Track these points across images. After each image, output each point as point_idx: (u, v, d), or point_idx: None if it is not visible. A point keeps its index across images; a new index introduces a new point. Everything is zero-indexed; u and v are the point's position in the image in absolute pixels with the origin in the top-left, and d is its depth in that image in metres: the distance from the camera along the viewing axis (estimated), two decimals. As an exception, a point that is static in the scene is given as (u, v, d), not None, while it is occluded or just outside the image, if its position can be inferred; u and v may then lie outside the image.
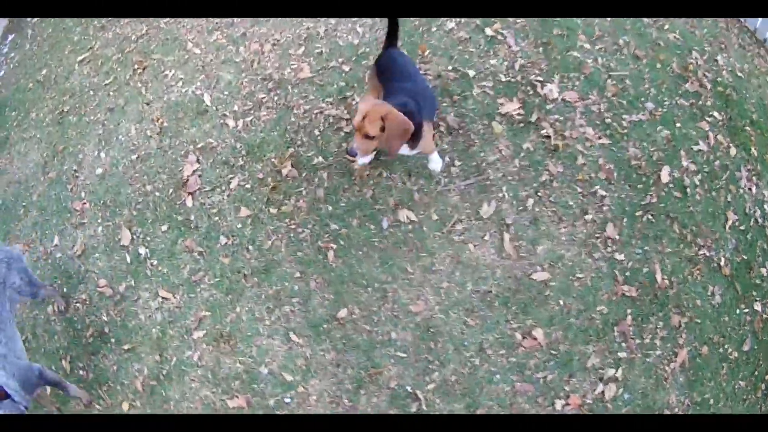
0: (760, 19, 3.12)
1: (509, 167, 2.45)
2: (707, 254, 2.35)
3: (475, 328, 2.10)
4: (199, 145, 2.74)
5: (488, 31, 2.95)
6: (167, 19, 3.33)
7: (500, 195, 2.37)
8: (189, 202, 2.55)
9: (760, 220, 2.45)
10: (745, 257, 2.37)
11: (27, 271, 2.24)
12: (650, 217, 2.38)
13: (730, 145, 2.66)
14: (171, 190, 2.64)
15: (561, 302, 2.20)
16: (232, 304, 2.21)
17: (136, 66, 3.14)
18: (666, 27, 3.14)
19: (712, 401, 2.15)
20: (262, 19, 3.22)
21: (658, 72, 2.88)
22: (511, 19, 3.03)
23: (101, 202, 2.72)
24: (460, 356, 2.07)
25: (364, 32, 3.02)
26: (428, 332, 2.09)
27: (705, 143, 2.64)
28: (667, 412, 2.11)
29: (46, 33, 3.71)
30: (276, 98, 2.83)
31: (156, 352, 2.22)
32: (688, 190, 2.47)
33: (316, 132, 2.60)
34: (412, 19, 3.03)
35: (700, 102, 2.80)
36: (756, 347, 2.22)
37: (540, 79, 2.77)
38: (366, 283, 2.18)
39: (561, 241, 2.29)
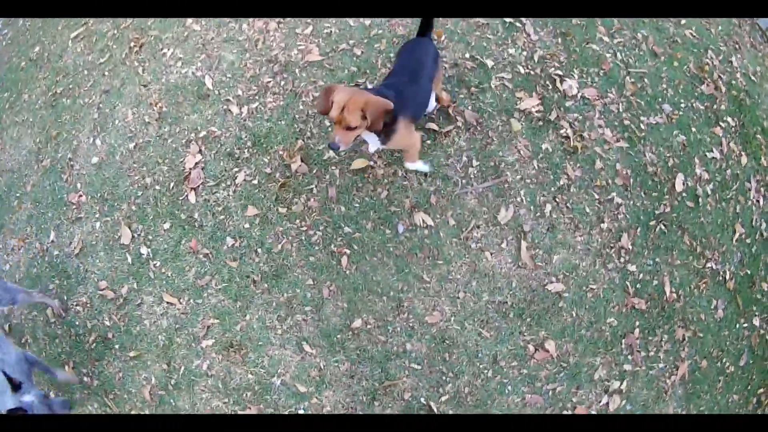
0: (773, 18, 2.87)
1: (528, 169, 2.21)
2: (714, 267, 2.19)
3: (489, 339, 1.92)
4: (201, 134, 2.38)
5: (506, 18, 2.61)
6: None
7: (518, 199, 2.15)
8: (192, 198, 2.20)
9: (765, 234, 2.28)
10: (748, 271, 2.20)
11: None
12: (663, 227, 2.20)
13: (742, 153, 2.47)
14: (172, 184, 2.28)
15: (573, 313, 2.03)
16: (241, 312, 1.95)
17: (132, 44, 2.63)
18: (683, 22, 2.84)
19: (707, 413, 2.06)
20: None
21: (675, 71, 2.61)
22: None
23: (98, 195, 2.33)
24: (473, 368, 1.91)
25: None
26: (443, 343, 1.90)
27: (718, 150, 2.44)
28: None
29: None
30: (283, 83, 2.46)
31: (163, 361, 1.96)
32: (700, 199, 2.29)
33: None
34: (427, -1, 2.64)
35: (715, 106, 2.57)
36: (751, 362, 2.13)
37: (559, 73, 2.47)
38: (381, 292, 1.94)
39: (576, 250, 2.10)
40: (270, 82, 2.41)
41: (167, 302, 2.06)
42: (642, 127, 2.34)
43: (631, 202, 2.16)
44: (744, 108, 2.51)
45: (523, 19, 2.58)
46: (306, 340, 1.90)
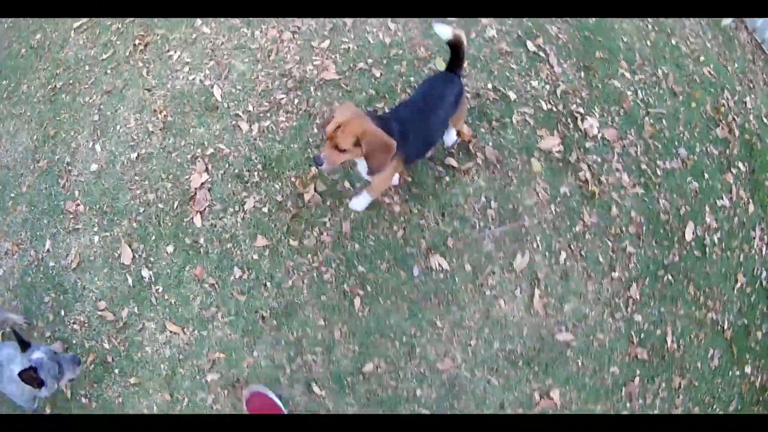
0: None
1: (545, 213, 2.05)
2: (713, 317, 2.10)
3: (497, 387, 1.77)
4: (209, 151, 2.10)
5: (530, 46, 2.36)
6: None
7: (534, 245, 1.99)
8: (198, 222, 1.95)
9: (765, 283, 2.24)
10: (745, 321, 2.07)
11: None
12: (670, 277, 2.08)
13: (750, 201, 2.36)
14: (176, 204, 2.02)
15: (579, 362, 1.92)
16: (248, 347, 1.76)
17: (137, 41, 2.28)
18: (701, 59, 2.66)
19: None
20: None
21: (692, 112, 2.46)
22: (553, 33, 2.43)
23: (97, 206, 2.05)
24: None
25: (396, 29, 2.34)
26: (453, 390, 1.74)
27: (728, 198, 2.33)
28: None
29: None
30: (296, 101, 2.20)
31: (166, 391, 1.76)
32: (707, 249, 2.19)
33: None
34: (450, 21, 2.39)
35: (728, 151, 2.44)
36: (740, 407, 2.09)
37: (581, 110, 2.29)
38: (393, 336, 1.77)
39: (587, 299, 1.98)
40: (283, 98, 2.16)
41: (171, 331, 1.86)
42: (658, 172, 2.20)
43: (643, 251, 2.05)
44: (755, 153, 2.39)
45: (547, 49, 2.36)
46: (315, 382, 1.72)
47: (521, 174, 1.99)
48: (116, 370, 1.84)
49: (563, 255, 1.93)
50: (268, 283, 1.83)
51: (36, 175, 2.25)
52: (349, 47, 2.24)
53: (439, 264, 1.83)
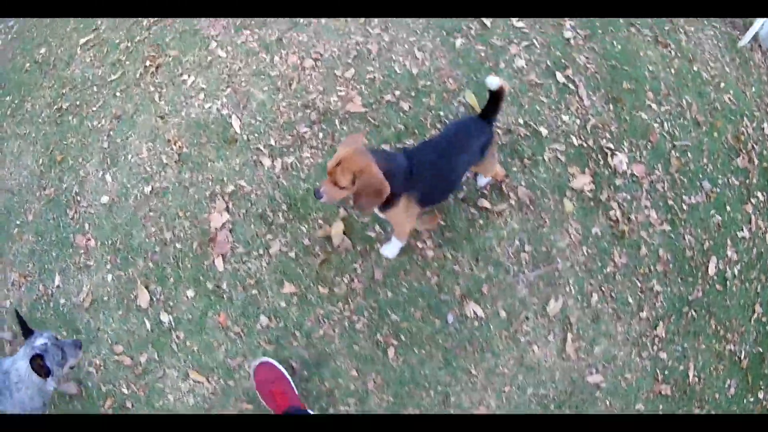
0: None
1: (578, 255, 1.94)
2: (732, 348, 2.08)
3: None
4: (229, 188, 1.90)
5: (559, 77, 2.20)
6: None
7: (567, 289, 1.89)
8: (219, 265, 1.78)
9: (780, 313, 2.24)
10: (760, 349, 2.07)
11: None
12: (694, 312, 2.02)
13: (767, 230, 2.34)
14: (195, 245, 1.84)
15: (608, 402, 1.83)
16: None
17: (148, 62, 2.03)
18: (722, 85, 2.55)
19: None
20: (300, 21, 2.22)
21: (715, 142, 2.37)
22: (581, 63, 2.29)
23: (109, 242, 1.85)
24: (514, 460, 1.80)
25: (424, 59, 2.14)
26: None
27: (747, 229, 2.27)
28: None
29: (48, 3, 2.43)
30: (321, 135, 2.01)
31: None
32: (728, 282, 2.13)
33: None
34: (479, 49, 2.22)
35: (748, 180, 2.36)
36: (755, 435, 2.12)
37: (610, 146, 2.17)
38: (428, 386, 1.64)
39: (617, 340, 1.90)
40: (306, 132, 1.97)
41: (194, 380, 1.72)
42: (684, 207, 2.12)
43: (669, 289, 1.98)
44: (773, 182, 2.34)
45: (576, 80, 2.22)
46: (349, 435, 1.67)
47: (554, 215, 1.89)
48: (138, 421, 1.72)
49: (595, 297, 1.85)
50: (297, 332, 1.69)
51: (42, 203, 2.03)
52: (374, 77, 2.05)
53: (474, 311, 1.73)
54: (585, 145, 2.04)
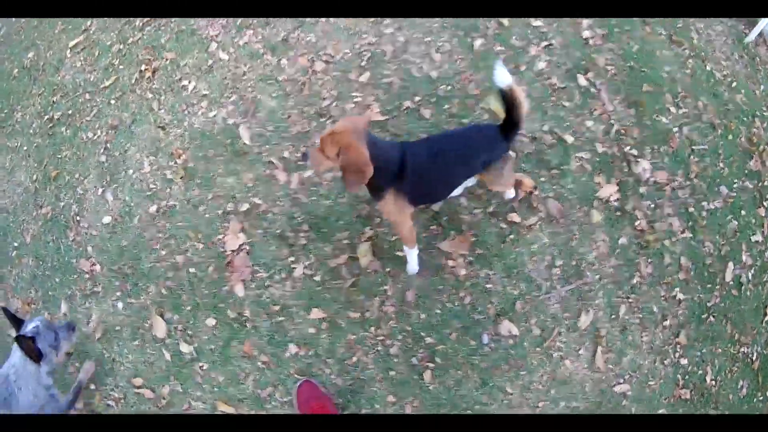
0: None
1: (606, 267, 1.94)
2: (745, 351, 2.19)
3: None
4: (243, 207, 1.76)
5: (581, 80, 2.16)
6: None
7: (596, 302, 1.88)
8: (240, 291, 1.66)
9: (789, 314, 2.34)
10: None
11: None
12: (712, 318, 2.07)
13: (779, 234, 2.42)
14: (211, 269, 1.71)
15: (633, 410, 1.90)
16: None
17: (143, 67, 1.86)
18: (734, 84, 2.59)
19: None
20: (307, 20, 2.08)
21: (729, 145, 2.41)
22: (601, 65, 2.24)
23: (116, 267, 1.71)
24: (547, 474, 1.84)
25: (442, 61, 2.02)
26: None
27: (761, 232, 2.35)
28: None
29: (34, 2, 2.15)
30: None
31: None
32: (743, 287, 2.23)
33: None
34: (499, 50, 2.15)
35: (761, 183, 2.45)
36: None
37: (634, 152, 2.16)
38: (465, 406, 1.61)
39: (642, 350, 1.92)
40: (325, 143, 1.89)
41: (222, 411, 1.68)
42: (703, 214, 2.16)
43: (690, 296, 2.04)
44: (783, 184, 2.42)
45: (597, 84, 2.19)
46: (386, 461, 1.65)
47: (582, 227, 1.88)
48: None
49: (623, 309, 1.88)
50: (330, 360, 1.63)
51: (40, 224, 1.85)
52: (391, 81, 1.95)
53: (509, 330, 1.71)
54: (609, 152, 2.03)
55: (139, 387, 1.66)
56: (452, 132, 1.51)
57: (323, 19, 2.08)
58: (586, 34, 2.31)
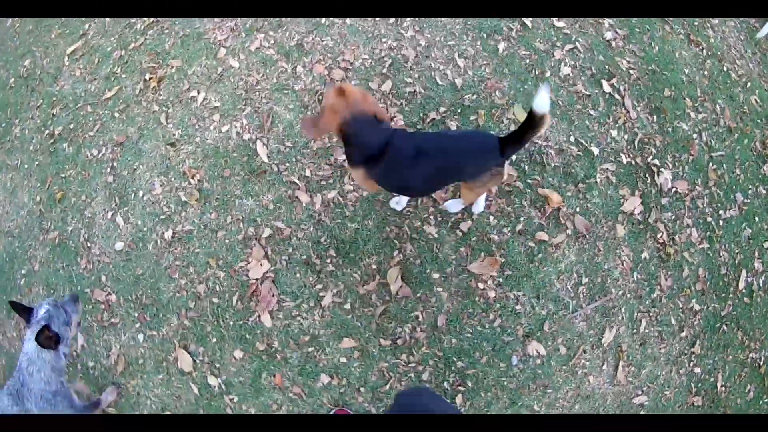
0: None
1: (629, 282, 1.98)
2: (753, 356, 2.32)
3: None
4: (265, 232, 1.70)
5: (606, 87, 2.11)
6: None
7: (619, 318, 1.93)
8: (267, 321, 1.63)
9: (795, 318, 2.46)
10: None
11: None
12: (725, 327, 2.16)
13: (789, 240, 2.49)
14: (235, 299, 1.66)
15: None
16: None
17: (148, 75, 1.73)
18: (748, 85, 2.60)
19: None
20: (322, 22, 1.95)
21: (744, 150, 2.44)
22: (624, 69, 2.20)
23: (133, 297, 1.64)
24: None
25: (466, 67, 1.94)
26: None
27: (772, 239, 2.44)
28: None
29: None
30: None
31: None
32: (754, 294, 2.33)
33: (427, 228, 1.84)
34: (523, 54, 2.08)
35: (772, 189, 2.52)
36: (766, 429, 2.39)
37: (656, 162, 2.17)
38: None
39: (660, 361, 1.99)
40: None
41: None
42: (720, 223, 2.21)
43: (706, 307, 2.12)
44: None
45: (621, 90, 2.15)
46: (419, 483, 1.70)
47: (607, 242, 1.90)
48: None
49: (643, 323, 1.94)
50: (362, 388, 1.63)
51: (48, 250, 1.73)
52: (415, 90, 1.88)
53: (537, 350, 1.75)
54: (633, 162, 2.03)
55: (166, 419, 1.64)
56: (450, 134, 1.45)
57: (339, 21, 1.97)
58: (608, 35, 2.27)
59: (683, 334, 1.98)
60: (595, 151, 1.92)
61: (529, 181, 1.84)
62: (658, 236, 1.95)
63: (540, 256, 1.76)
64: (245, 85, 1.76)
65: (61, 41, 1.86)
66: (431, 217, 1.69)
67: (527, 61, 1.97)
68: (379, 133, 1.22)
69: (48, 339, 1.30)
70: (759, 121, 2.46)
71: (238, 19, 1.86)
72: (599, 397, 1.80)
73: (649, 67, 2.24)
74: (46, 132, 1.78)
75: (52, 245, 1.69)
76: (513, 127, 1.93)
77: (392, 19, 2.01)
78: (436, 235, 1.64)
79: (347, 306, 1.63)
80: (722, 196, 2.19)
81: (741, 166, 2.28)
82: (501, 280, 1.70)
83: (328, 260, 1.64)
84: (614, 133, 1.99)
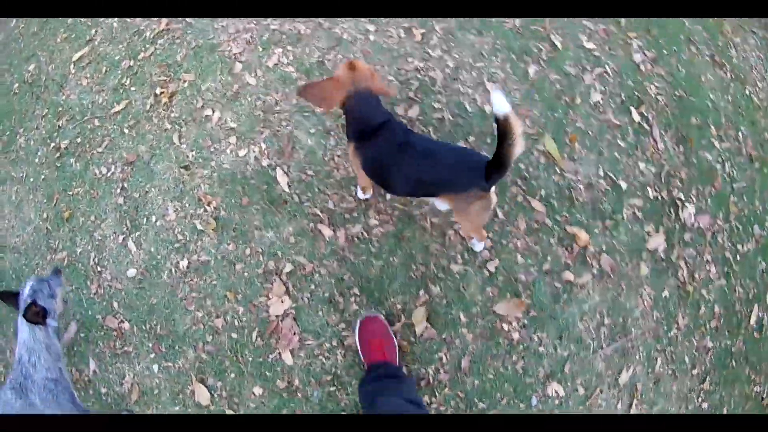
0: None
1: (648, 322, 2.01)
2: (758, 390, 2.39)
3: None
4: (286, 267, 1.63)
5: (635, 115, 2.08)
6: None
7: (637, 357, 1.99)
8: (288, 359, 1.59)
9: (799, 351, 2.53)
10: None
11: None
12: (734, 363, 2.28)
13: (801, 274, 2.54)
14: (255, 335, 1.61)
15: None
16: None
17: (159, 90, 1.62)
18: (766, 104, 2.64)
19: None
20: (344, 38, 1.83)
21: (764, 179, 2.46)
22: (652, 95, 2.18)
23: (147, 326, 1.58)
24: None
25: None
26: None
27: (784, 274, 2.48)
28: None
29: None
30: (389, 195, 1.82)
31: None
32: (764, 328, 2.40)
33: (454, 267, 1.80)
34: (553, 79, 2.02)
35: (789, 222, 2.55)
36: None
37: (681, 196, 2.16)
38: None
39: (671, 399, 2.03)
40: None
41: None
42: (737, 258, 2.24)
43: (719, 344, 2.16)
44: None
45: (650, 118, 2.14)
46: None
47: (630, 281, 1.91)
48: None
49: (659, 362, 1.97)
50: (382, 428, 1.67)
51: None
52: (443, 117, 1.82)
53: (556, 391, 1.78)
54: (659, 197, 2.02)
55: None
56: (443, 143, 1.46)
57: (361, 37, 1.88)
58: (637, 58, 2.22)
59: (695, 372, 2.02)
60: (623, 185, 1.90)
61: (558, 218, 1.82)
62: (679, 273, 1.96)
63: (565, 296, 1.75)
64: (263, 105, 1.67)
65: (66, 46, 1.73)
66: (458, 255, 1.67)
67: (557, 86, 1.92)
68: (377, 114, 1.25)
69: (35, 314, 1.31)
70: (779, 149, 2.46)
71: (254, 31, 1.76)
72: (613, 434, 1.84)
73: (676, 93, 2.21)
74: (52, 145, 1.68)
75: (60, 266, 1.62)
76: (543, 159, 1.90)
77: (418, 37, 1.92)
78: (463, 273, 1.61)
79: (370, 346, 1.60)
80: (741, 230, 2.21)
81: (760, 197, 2.30)
82: (526, 321, 1.70)
83: (352, 299, 1.61)
84: (642, 165, 1.97)
